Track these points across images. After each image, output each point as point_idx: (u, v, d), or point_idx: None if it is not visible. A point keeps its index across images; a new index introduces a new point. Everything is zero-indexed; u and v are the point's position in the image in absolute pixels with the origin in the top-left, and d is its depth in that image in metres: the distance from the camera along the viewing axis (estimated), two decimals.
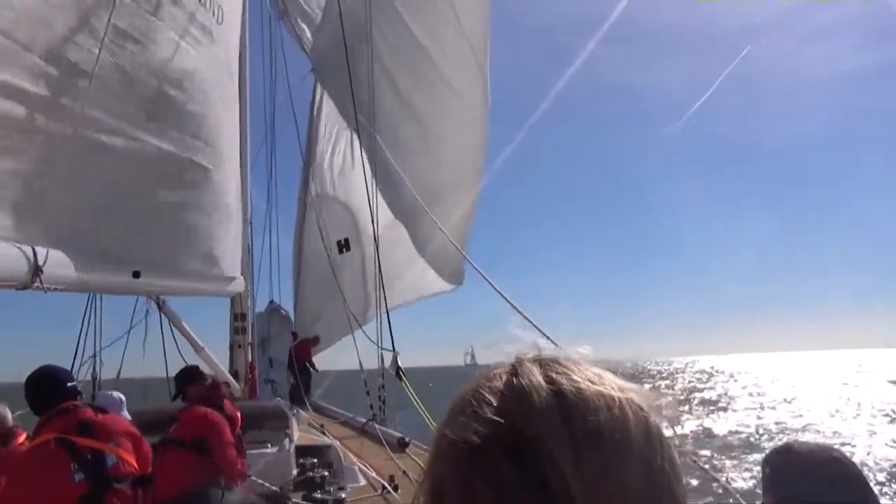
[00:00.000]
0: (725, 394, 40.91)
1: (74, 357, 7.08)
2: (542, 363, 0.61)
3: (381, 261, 9.13)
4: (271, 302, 13.72)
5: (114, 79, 5.06)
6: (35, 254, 4.29)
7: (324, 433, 8.52)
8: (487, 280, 5.68)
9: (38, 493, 2.91)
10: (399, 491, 5.67)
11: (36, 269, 4.26)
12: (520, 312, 6.31)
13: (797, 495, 1.58)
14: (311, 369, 13.85)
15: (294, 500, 4.77)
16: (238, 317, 9.02)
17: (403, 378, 7.86)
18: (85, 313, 7.40)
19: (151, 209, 5.68)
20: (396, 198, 11.13)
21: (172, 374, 8.11)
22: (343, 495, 4.50)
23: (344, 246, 13.07)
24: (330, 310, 13.19)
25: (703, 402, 34.29)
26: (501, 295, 5.83)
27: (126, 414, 4.52)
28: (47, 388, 3.20)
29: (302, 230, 13.78)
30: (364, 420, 9.86)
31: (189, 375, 4.66)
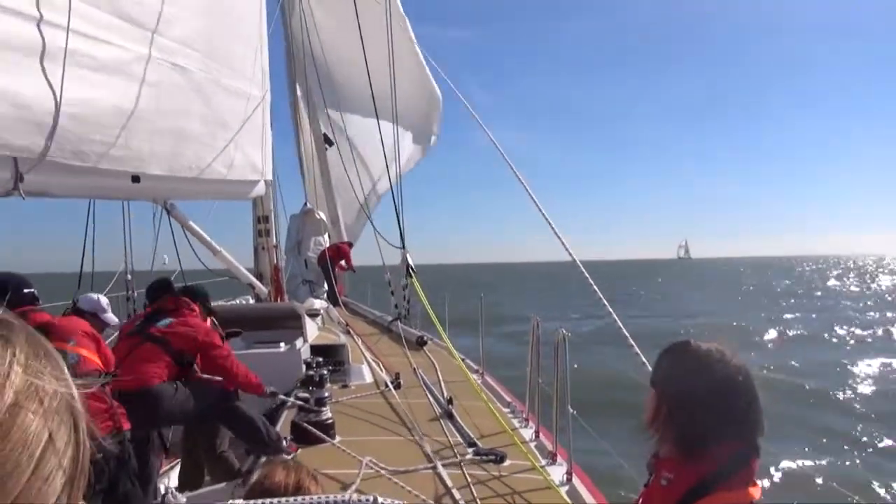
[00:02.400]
0: None
1: (82, 260, 7.18)
2: None
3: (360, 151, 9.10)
4: (305, 204, 13.83)
5: None
6: (16, 162, 4.32)
7: (348, 332, 8.70)
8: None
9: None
10: (400, 389, 5.78)
11: (17, 177, 4.30)
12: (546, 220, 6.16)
13: (678, 390, 1.50)
14: (347, 270, 14.15)
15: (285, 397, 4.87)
16: (260, 219, 9.09)
17: (413, 276, 7.83)
18: (88, 216, 7.43)
19: (152, 114, 5.60)
20: None
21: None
22: (326, 394, 4.57)
23: (326, 141, 13.21)
24: (343, 208, 13.48)
25: None
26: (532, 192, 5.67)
27: (111, 316, 4.62)
28: (2, 295, 3.22)
29: (298, 133, 13.91)
30: (390, 318, 10.05)
31: (161, 287, 4.64)
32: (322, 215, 13.82)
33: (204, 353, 4.13)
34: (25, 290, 3.33)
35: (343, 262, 14.03)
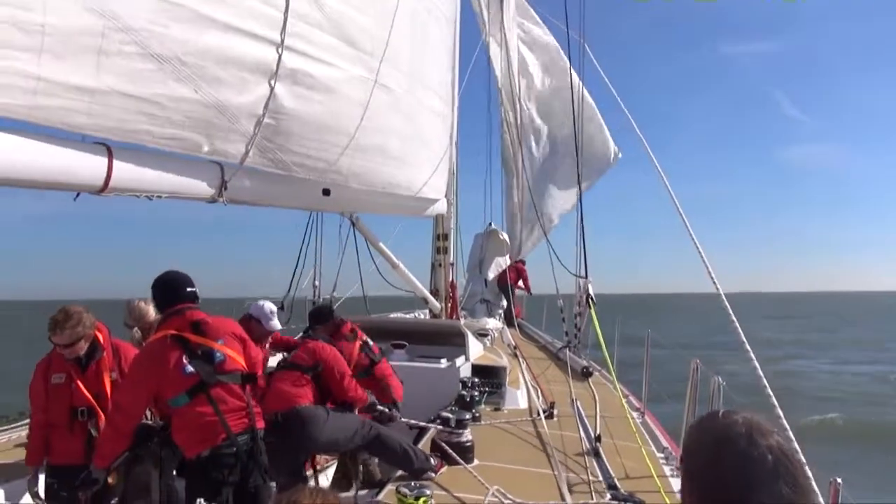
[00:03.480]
0: None
1: (294, 272, 8.00)
2: None
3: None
4: (489, 224, 14.12)
5: (316, 15, 5.33)
6: (222, 170, 4.85)
7: (515, 354, 8.70)
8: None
9: (155, 381, 3.32)
10: (553, 419, 5.67)
11: (222, 184, 4.83)
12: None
13: (698, 470, 1.30)
14: (524, 291, 14.18)
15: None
16: (440, 237, 9.41)
17: (592, 307, 7.54)
18: (306, 232, 8.20)
19: (355, 130, 5.83)
20: None
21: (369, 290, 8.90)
22: (467, 416, 4.59)
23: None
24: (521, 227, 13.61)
25: None
26: None
27: (275, 324, 5.00)
28: (168, 291, 3.57)
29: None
30: (560, 345, 9.91)
31: (319, 315, 4.92)
32: (505, 236, 14.02)
33: (327, 370, 4.33)
34: (188, 289, 3.57)
35: (521, 283, 14.11)
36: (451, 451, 4.35)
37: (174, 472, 3.77)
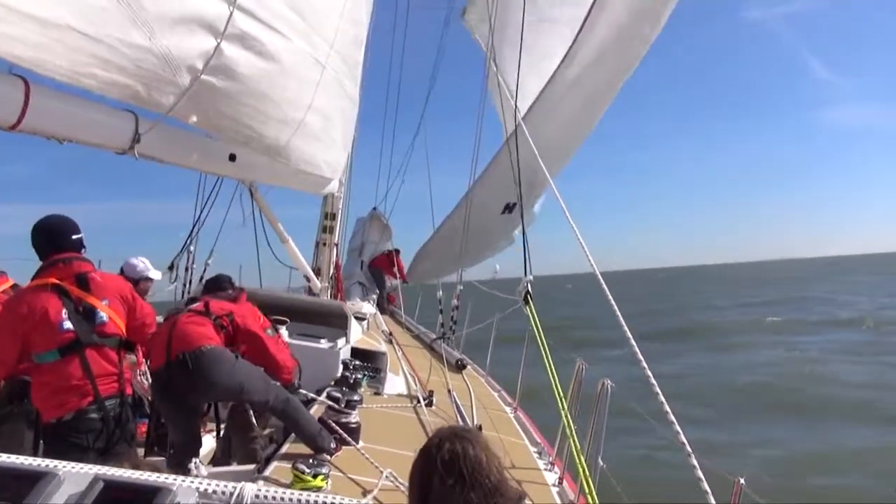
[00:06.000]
0: None
1: (190, 234, 7.74)
2: None
3: None
4: (374, 208, 14.18)
5: None
6: (137, 122, 4.66)
7: (390, 341, 8.84)
8: None
9: (28, 330, 3.01)
10: (433, 406, 5.88)
11: (135, 137, 4.63)
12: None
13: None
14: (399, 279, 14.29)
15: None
16: (327, 216, 9.43)
17: (531, 303, 7.35)
18: (198, 193, 7.92)
19: (280, 101, 5.69)
20: None
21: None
22: (357, 398, 4.65)
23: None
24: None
25: None
26: None
27: (155, 272, 4.94)
28: (50, 236, 3.22)
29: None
30: (434, 337, 10.19)
31: (217, 284, 4.65)
32: (386, 220, 14.11)
33: (241, 319, 4.19)
34: (74, 236, 3.24)
35: (395, 271, 14.18)
36: (340, 430, 4.29)
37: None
